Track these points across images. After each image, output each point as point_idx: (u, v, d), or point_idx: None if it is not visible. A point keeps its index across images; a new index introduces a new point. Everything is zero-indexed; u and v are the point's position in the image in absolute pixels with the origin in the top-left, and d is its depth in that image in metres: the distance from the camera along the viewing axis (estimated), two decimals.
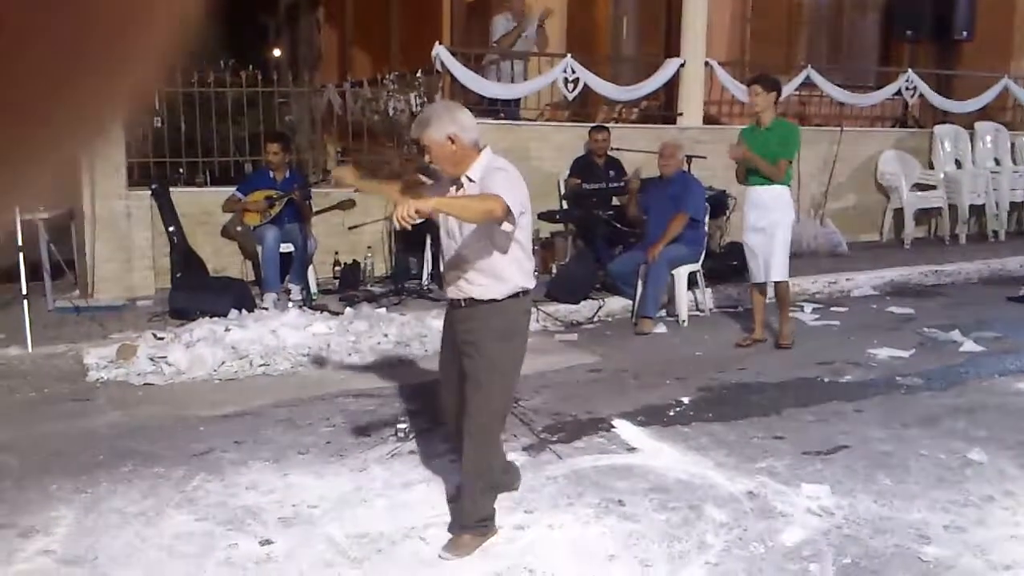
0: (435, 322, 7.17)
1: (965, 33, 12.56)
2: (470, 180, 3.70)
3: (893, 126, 12.57)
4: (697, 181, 8.21)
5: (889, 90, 11.92)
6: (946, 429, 5.23)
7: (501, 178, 3.62)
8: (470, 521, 3.78)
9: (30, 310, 6.55)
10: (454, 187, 3.76)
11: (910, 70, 11.98)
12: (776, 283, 6.95)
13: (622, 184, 8.92)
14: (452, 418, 4.03)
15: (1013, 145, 12.38)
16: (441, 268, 3.82)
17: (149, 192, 8.18)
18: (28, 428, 5.27)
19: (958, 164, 11.95)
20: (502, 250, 3.68)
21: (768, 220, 6.76)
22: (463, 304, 3.78)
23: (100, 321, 7.12)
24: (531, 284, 3.84)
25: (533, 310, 7.58)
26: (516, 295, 3.76)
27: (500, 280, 3.72)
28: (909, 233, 11.41)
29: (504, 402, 3.88)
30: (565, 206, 9.25)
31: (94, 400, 5.82)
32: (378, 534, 3.91)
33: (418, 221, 3.37)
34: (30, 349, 6.39)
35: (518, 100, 10.21)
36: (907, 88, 11.86)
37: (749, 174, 6.81)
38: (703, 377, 6.27)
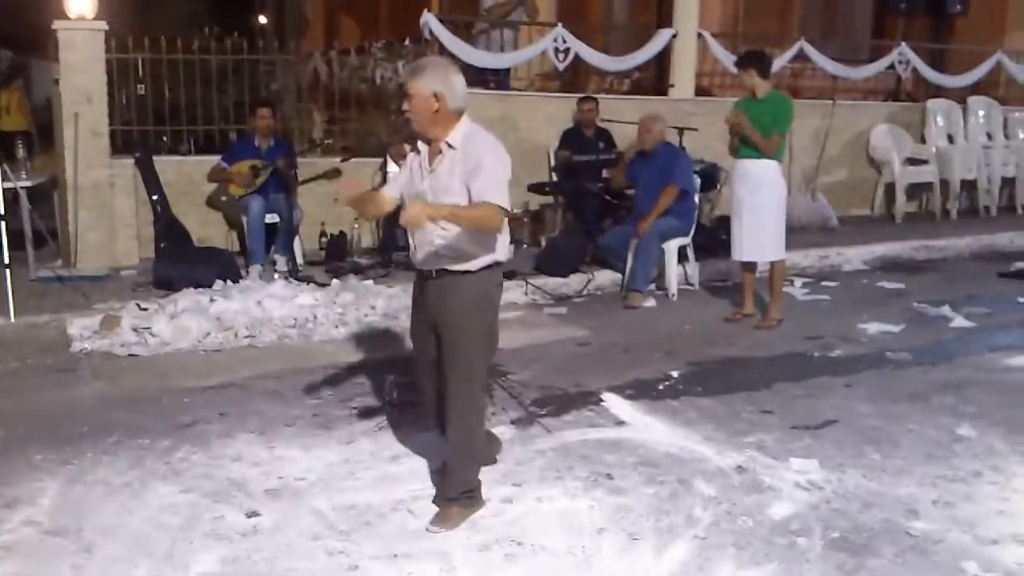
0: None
1: (959, 7, 12.53)
2: (450, 147, 3.64)
3: (886, 100, 12.53)
4: (683, 152, 8.15)
5: (882, 64, 11.86)
6: (935, 404, 5.22)
7: (492, 159, 3.60)
8: (455, 492, 3.76)
9: (12, 279, 6.48)
10: (438, 155, 3.69)
11: (903, 44, 11.91)
12: (771, 263, 6.90)
13: (612, 156, 8.86)
14: (430, 392, 3.97)
15: (1005, 120, 12.35)
16: (411, 239, 3.76)
17: (132, 160, 8.09)
18: (11, 399, 5.22)
19: (950, 139, 11.92)
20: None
21: (758, 196, 6.68)
22: (434, 275, 3.74)
23: (83, 291, 7.04)
24: (504, 257, 3.79)
25: (523, 283, 7.60)
26: (490, 267, 3.73)
27: (475, 253, 3.68)
28: (900, 208, 11.39)
29: (482, 371, 3.85)
30: (555, 178, 9.19)
31: (78, 371, 5.76)
32: (365, 506, 3.89)
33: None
34: (12, 319, 6.32)
35: (508, 70, 10.11)
36: (900, 62, 11.81)
37: (741, 147, 6.74)
38: (693, 351, 6.24)
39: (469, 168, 3.58)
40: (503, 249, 3.78)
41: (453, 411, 3.73)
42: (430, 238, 3.67)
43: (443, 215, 3.49)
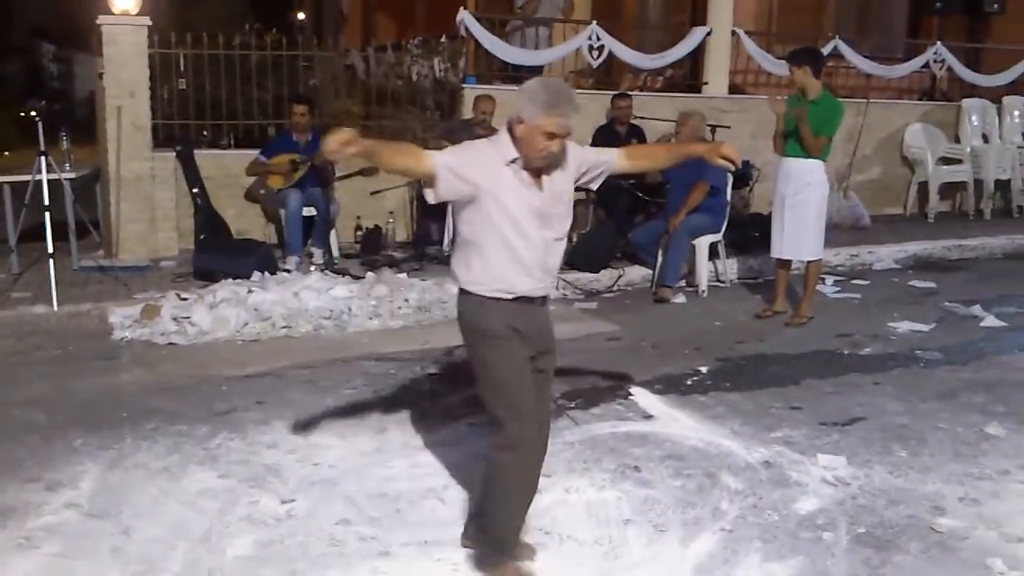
0: (455, 288, 7.18)
1: (995, 6, 12.42)
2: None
3: (920, 99, 12.43)
4: None
5: (917, 62, 11.79)
6: (964, 403, 5.23)
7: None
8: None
9: (56, 269, 6.63)
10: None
11: (939, 42, 11.84)
12: (808, 261, 6.91)
13: None
14: (536, 423, 3.35)
15: None
16: (522, 262, 3.23)
17: (173, 154, 8.23)
18: (54, 385, 5.35)
19: (985, 138, 11.83)
20: None
21: (801, 195, 6.67)
22: (542, 303, 3.40)
23: (124, 281, 7.19)
24: None
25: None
26: None
27: None
28: (933, 207, 11.32)
29: None
30: None
31: (118, 358, 5.89)
32: (396, 494, 3.97)
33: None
34: (55, 307, 6.48)
35: (542, 67, 10.16)
36: (935, 61, 11.73)
37: (787, 144, 6.73)
38: (721, 347, 6.27)
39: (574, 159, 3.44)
40: None
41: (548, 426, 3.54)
42: (554, 263, 3.36)
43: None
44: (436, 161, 3.13)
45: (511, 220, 3.18)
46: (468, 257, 3.28)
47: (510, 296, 3.26)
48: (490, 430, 3.34)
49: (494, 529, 3.36)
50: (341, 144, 2.92)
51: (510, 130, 3.19)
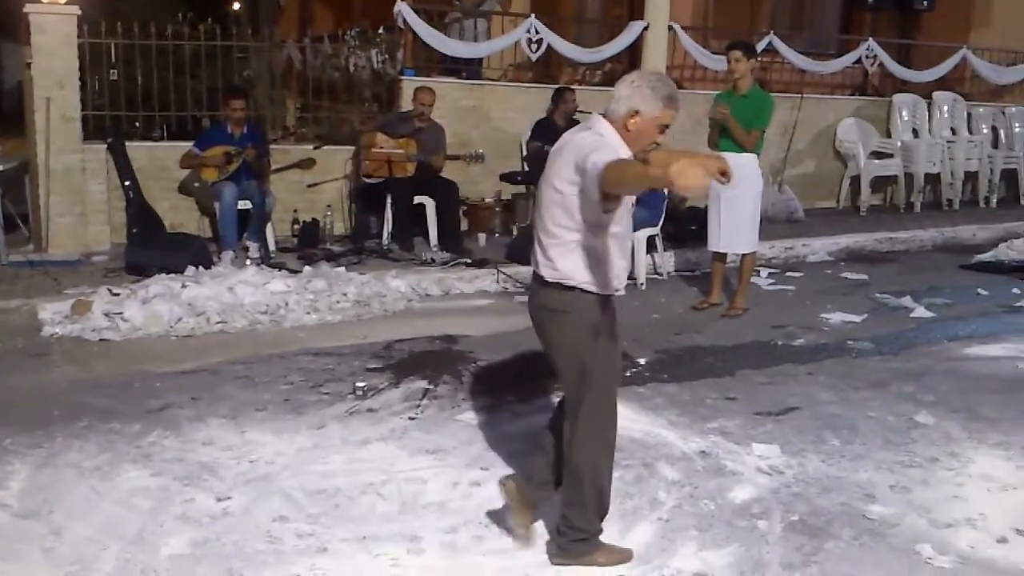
0: (394, 282, 7.18)
1: (925, 3, 12.70)
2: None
3: (853, 94, 12.67)
4: None
5: (849, 58, 12.02)
6: (895, 392, 5.35)
7: None
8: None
9: None
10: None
11: (871, 39, 12.07)
12: (743, 254, 7.00)
13: None
14: None
15: (969, 115, 12.55)
16: (619, 258, 3.32)
17: (104, 146, 8.05)
18: None
19: (915, 133, 12.10)
20: None
21: (736, 190, 6.73)
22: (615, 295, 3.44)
23: (54, 276, 7.03)
24: None
25: (494, 272, 7.67)
26: None
27: None
28: (865, 200, 11.55)
29: None
30: (527, 168, 9.24)
31: (49, 355, 5.77)
32: (335, 490, 3.94)
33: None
34: None
35: (481, 60, 10.15)
36: (867, 56, 11.96)
37: (721, 140, 6.80)
38: (659, 339, 6.34)
39: None
40: None
41: None
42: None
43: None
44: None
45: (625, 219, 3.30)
46: (584, 256, 3.23)
47: (618, 291, 3.35)
48: (585, 427, 3.31)
49: (584, 522, 3.39)
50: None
51: (622, 124, 3.19)
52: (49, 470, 4.09)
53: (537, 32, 9.71)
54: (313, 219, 8.55)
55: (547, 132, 9.08)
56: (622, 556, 3.44)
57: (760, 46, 10.88)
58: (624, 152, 3.17)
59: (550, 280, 3.29)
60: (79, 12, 7.76)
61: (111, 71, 8.72)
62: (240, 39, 9.77)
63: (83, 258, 7.70)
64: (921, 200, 11.89)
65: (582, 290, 3.26)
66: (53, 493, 3.87)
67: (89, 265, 7.55)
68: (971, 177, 12.52)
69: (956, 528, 3.75)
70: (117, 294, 6.44)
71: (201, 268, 6.92)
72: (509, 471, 4.12)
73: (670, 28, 10.46)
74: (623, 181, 3.00)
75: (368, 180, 8.25)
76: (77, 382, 5.27)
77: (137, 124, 9.07)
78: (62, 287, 6.75)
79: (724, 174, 3.11)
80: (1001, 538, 3.68)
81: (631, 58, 10.84)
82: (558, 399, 3.79)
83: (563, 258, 3.26)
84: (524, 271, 7.85)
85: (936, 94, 12.39)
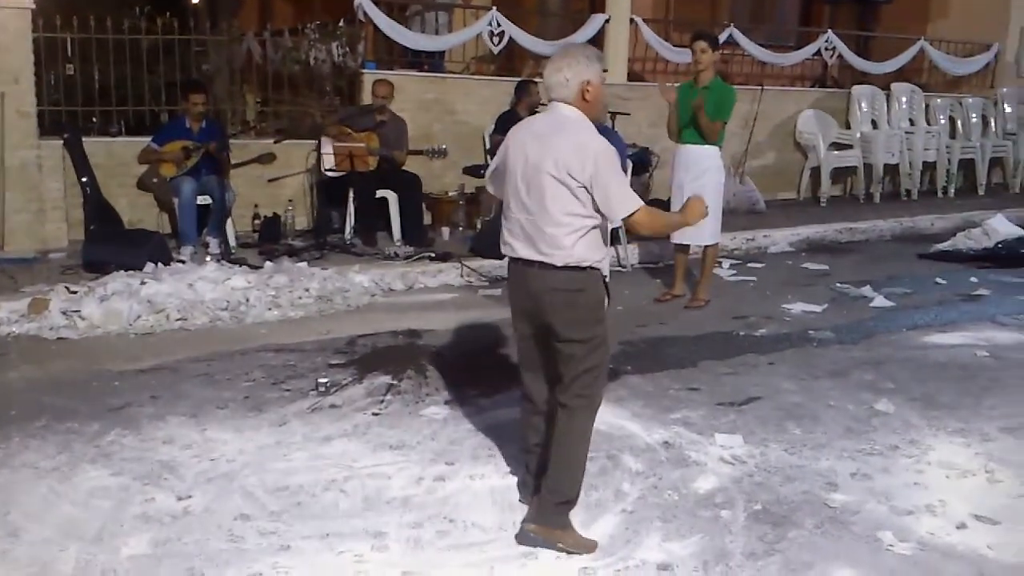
0: (357, 277, 7.15)
1: None
2: None
3: (812, 86, 12.79)
4: (616, 134, 8.24)
5: (809, 50, 12.12)
6: (855, 381, 5.40)
7: None
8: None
9: None
10: None
11: (830, 31, 12.18)
12: (705, 246, 7.03)
13: None
14: None
15: (927, 106, 12.70)
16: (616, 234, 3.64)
17: (61, 142, 7.93)
18: None
19: (874, 124, 12.22)
20: None
21: (699, 181, 6.76)
22: None
23: (11, 274, 6.92)
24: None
25: (458, 265, 7.66)
26: None
27: None
28: (825, 191, 11.66)
29: None
30: (490, 161, 9.21)
31: (5, 354, 5.67)
32: (297, 487, 3.91)
33: None
34: None
35: (442, 53, 10.11)
36: (827, 48, 12.08)
37: (683, 132, 6.82)
38: (623, 331, 6.34)
39: None
40: None
41: None
42: None
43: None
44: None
45: None
46: (595, 238, 3.45)
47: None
48: (588, 394, 3.54)
49: (572, 489, 3.53)
50: None
51: (579, 99, 3.45)
52: (5, 471, 4.03)
53: (499, 25, 9.69)
54: (274, 214, 8.47)
55: (510, 125, 8.96)
56: (587, 545, 3.47)
57: (720, 38, 10.95)
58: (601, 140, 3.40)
59: (560, 264, 3.41)
60: (33, 6, 7.63)
61: (67, 66, 8.59)
62: (199, 32, 9.66)
63: (40, 255, 7.58)
64: (880, 191, 12.02)
65: (592, 268, 3.47)
66: (10, 494, 3.80)
67: (46, 262, 7.43)
68: (929, 167, 12.69)
69: (916, 515, 3.80)
70: (75, 292, 6.36)
71: (160, 264, 6.84)
72: (474, 465, 4.13)
73: (632, 20, 10.49)
74: (657, 231, 3.95)
75: (330, 174, 8.19)
76: (34, 381, 5.19)
77: (94, 119, 8.93)
78: (19, 285, 6.64)
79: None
80: (960, 524, 3.73)
81: None
82: (522, 394, 3.80)
83: (579, 242, 3.41)
84: (488, 264, 7.85)
85: (894, 85, 12.53)
